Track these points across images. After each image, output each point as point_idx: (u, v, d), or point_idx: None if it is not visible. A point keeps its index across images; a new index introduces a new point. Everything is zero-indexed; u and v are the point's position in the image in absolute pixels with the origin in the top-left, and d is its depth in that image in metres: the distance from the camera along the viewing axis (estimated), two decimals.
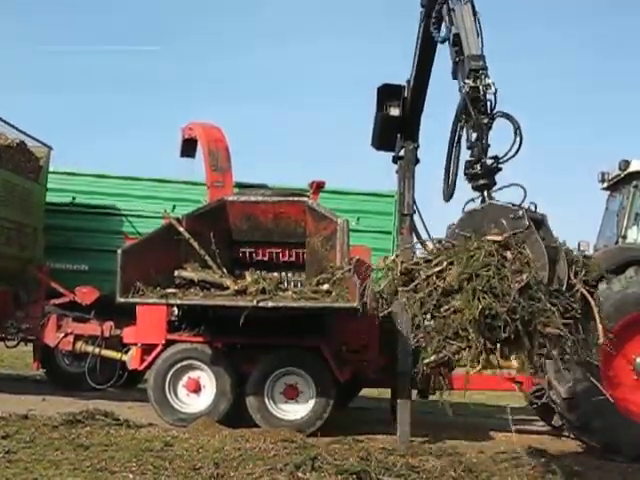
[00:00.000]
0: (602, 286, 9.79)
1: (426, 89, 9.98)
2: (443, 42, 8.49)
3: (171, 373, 10.09)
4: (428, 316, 6.43)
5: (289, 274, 10.63)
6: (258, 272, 9.83)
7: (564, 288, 6.35)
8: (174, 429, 9.40)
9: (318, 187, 11.68)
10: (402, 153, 10.76)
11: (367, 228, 13.45)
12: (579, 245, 11.36)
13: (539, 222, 6.85)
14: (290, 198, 10.29)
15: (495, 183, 7.23)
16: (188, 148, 14.41)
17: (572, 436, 10.25)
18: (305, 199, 10.35)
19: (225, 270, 9.82)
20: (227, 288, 9.48)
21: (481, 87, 7.46)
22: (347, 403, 12.61)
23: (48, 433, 8.44)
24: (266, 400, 10.01)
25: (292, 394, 10.10)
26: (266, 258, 10.53)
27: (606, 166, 11.88)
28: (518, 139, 7.18)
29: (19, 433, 8.23)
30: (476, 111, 7.45)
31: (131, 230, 13.24)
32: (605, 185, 11.82)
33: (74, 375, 13.11)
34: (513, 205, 6.84)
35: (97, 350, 11.66)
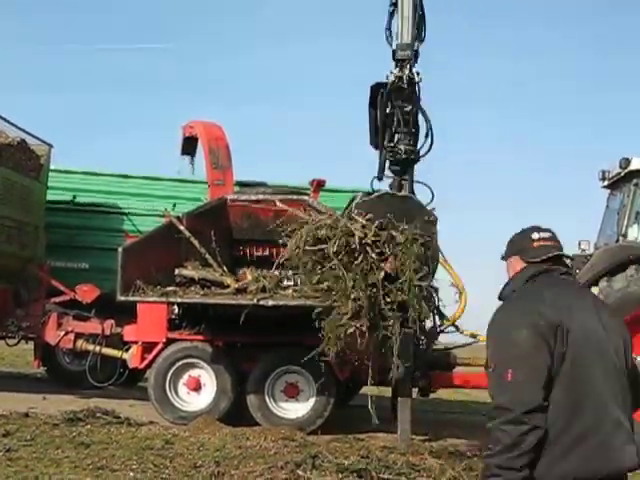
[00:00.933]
0: (603, 284, 9.84)
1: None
2: (388, 29, 8.59)
3: (172, 371, 10.09)
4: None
5: (289, 272, 10.63)
6: (258, 270, 9.83)
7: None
8: (175, 427, 9.41)
9: (319, 185, 11.67)
10: None
11: None
12: (579, 244, 11.38)
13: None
14: (290, 197, 10.29)
15: (405, 172, 7.98)
16: (189, 146, 14.41)
17: None
18: (305, 197, 10.35)
19: (225, 268, 9.82)
20: (227, 286, 9.49)
21: (404, 77, 7.89)
22: (347, 401, 12.61)
23: (49, 431, 8.45)
24: (267, 398, 10.00)
25: (293, 392, 10.10)
26: (267, 256, 10.53)
27: (607, 164, 11.91)
28: (429, 139, 7.57)
29: (20, 431, 8.24)
30: (399, 101, 7.65)
31: (132, 228, 13.24)
32: (606, 183, 11.83)
33: (75, 373, 13.12)
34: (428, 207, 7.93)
35: (98, 348, 11.65)
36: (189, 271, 9.68)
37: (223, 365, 10.11)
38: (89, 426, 8.95)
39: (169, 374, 10.07)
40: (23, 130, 12.77)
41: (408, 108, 7.85)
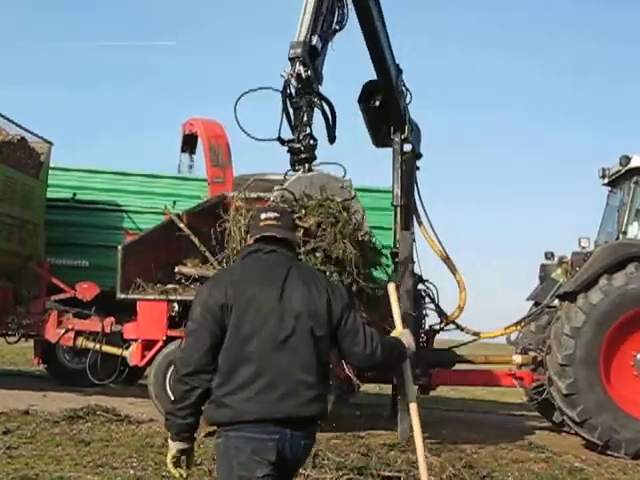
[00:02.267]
0: (603, 282, 9.84)
1: (384, 69, 10.14)
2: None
3: (172, 369, 10.08)
4: None
5: None
6: None
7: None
8: None
9: None
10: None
11: (369, 224, 13.43)
12: (580, 241, 11.37)
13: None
14: None
15: (315, 157, 8.37)
16: (188, 144, 14.42)
17: (572, 432, 10.24)
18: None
19: (225, 266, 9.81)
20: None
21: (294, 74, 8.23)
22: (348, 399, 12.61)
23: (49, 429, 8.47)
24: None
25: None
26: None
27: (607, 162, 11.89)
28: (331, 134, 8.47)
29: (20, 429, 8.26)
30: (290, 97, 8.29)
31: (132, 226, 13.23)
32: (606, 181, 11.82)
33: (75, 371, 13.13)
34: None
35: (98, 346, 11.64)
36: (189, 269, 9.68)
37: None
38: (89, 424, 8.96)
39: (169, 372, 10.06)
40: (23, 128, 12.76)
41: (301, 104, 8.28)
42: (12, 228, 12.22)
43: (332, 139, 8.80)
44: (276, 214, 3.83)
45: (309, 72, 8.26)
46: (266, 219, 3.80)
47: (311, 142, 8.31)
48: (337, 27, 9.10)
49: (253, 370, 3.49)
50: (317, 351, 3.60)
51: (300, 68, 8.24)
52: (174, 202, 13.38)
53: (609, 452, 9.47)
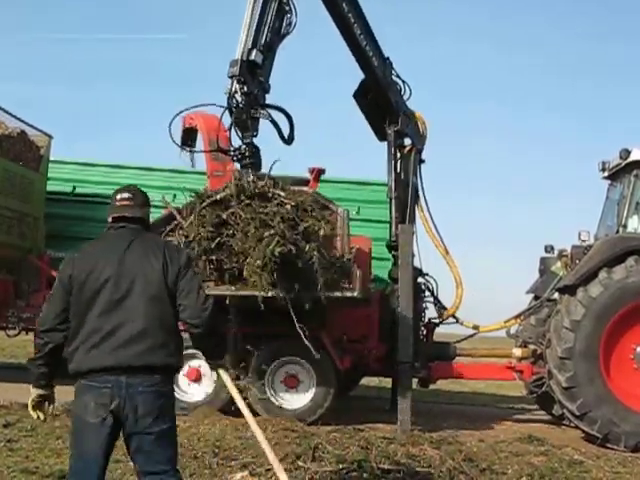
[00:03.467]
0: (602, 275, 9.84)
1: (367, 64, 10.43)
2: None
3: None
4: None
5: None
6: None
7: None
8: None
9: (318, 174, 11.64)
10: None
11: (367, 217, 13.42)
12: (580, 234, 11.37)
13: None
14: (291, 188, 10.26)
15: (260, 162, 9.08)
16: (188, 137, 14.37)
17: (572, 425, 10.26)
18: (305, 188, 10.32)
19: None
20: None
21: (233, 92, 8.97)
22: (348, 392, 12.64)
23: (49, 422, 8.43)
24: (267, 389, 10.02)
25: (293, 383, 10.12)
26: None
27: (607, 155, 11.88)
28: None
29: (20, 422, 8.26)
30: (231, 112, 9.03)
31: None
32: (606, 174, 11.81)
33: None
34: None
35: None
36: None
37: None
38: None
39: None
40: (23, 121, 12.75)
41: (243, 117, 9.05)
42: (12, 221, 12.21)
43: (288, 141, 9.45)
44: (129, 194, 4.37)
45: (246, 88, 8.95)
46: (121, 199, 4.35)
47: (252, 150, 9.05)
48: (285, 32, 9.57)
49: (91, 328, 4.07)
50: (154, 308, 4.11)
51: (237, 86, 8.96)
52: (174, 195, 13.37)
53: (609, 445, 9.50)
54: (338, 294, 8.92)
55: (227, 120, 9.17)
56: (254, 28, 9.15)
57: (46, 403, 4.42)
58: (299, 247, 8.47)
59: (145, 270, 4.14)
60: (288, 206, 8.68)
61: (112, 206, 4.36)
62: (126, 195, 4.35)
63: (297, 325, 8.64)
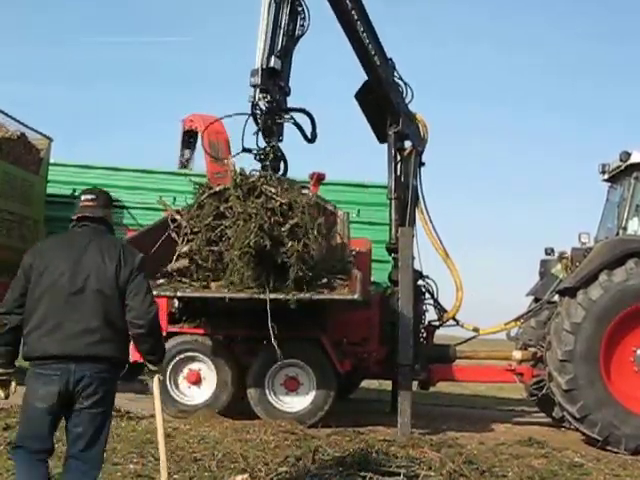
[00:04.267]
0: (603, 277, 9.84)
1: (368, 58, 10.50)
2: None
3: (172, 365, 10.09)
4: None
5: None
6: None
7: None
8: (175, 421, 9.41)
9: (318, 179, 11.65)
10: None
11: (367, 220, 13.44)
12: (580, 236, 11.37)
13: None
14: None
15: (279, 167, 9.62)
16: (188, 139, 14.41)
17: (572, 428, 10.25)
18: (305, 191, 10.33)
19: None
20: None
21: (255, 101, 9.39)
22: (348, 395, 12.63)
23: None
24: (267, 392, 10.01)
25: (293, 386, 10.10)
26: None
27: (607, 157, 11.87)
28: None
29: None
30: (256, 119, 9.48)
31: (132, 222, 13.21)
32: (606, 177, 11.80)
33: None
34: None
35: None
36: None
37: (223, 359, 10.12)
38: None
39: (169, 368, 10.06)
40: (23, 124, 12.77)
41: (268, 123, 9.52)
42: (12, 224, 12.23)
43: (312, 139, 9.98)
44: (93, 196, 4.76)
45: (269, 97, 9.37)
46: (85, 200, 4.74)
47: (277, 154, 9.57)
48: (300, 33, 9.85)
49: (44, 316, 4.40)
50: (104, 305, 4.45)
51: (260, 95, 9.36)
52: (174, 198, 13.38)
53: (609, 448, 9.49)
54: (337, 296, 8.91)
55: (250, 127, 9.60)
56: (269, 35, 9.42)
57: (11, 383, 4.90)
58: (282, 243, 8.61)
59: (99, 268, 4.48)
60: (277, 203, 8.83)
61: (77, 206, 4.77)
62: (89, 196, 4.75)
63: (269, 324, 8.75)
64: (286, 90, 9.72)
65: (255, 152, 9.59)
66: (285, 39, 9.56)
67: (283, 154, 9.67)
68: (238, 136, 9.73)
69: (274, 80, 9.46)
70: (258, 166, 9.61)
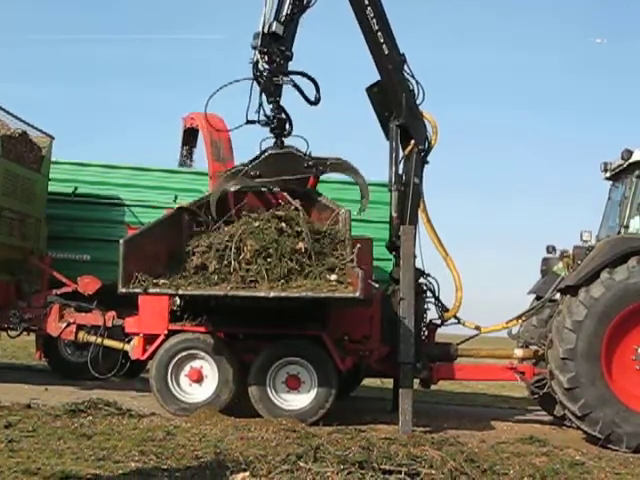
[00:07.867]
0: (604, 275, 9.83)
1: (375, 45, 10.66)
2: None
3: (173, 363, 10.10)
4: None
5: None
6: None
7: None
8: (176, 418, 9.43)
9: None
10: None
11: (369, 218, 13.41)
12: (582, 235, 11.37)
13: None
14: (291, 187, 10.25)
15: (285, 131, 9.94)
16: (189, 138, 14.38)
17: (574, 426, 10.24)
18: (307, 189, 10.33)
19: None
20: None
21: (255, 62, 9.64)
22: (349, 393, 12.63)
23: (51, 422, 8.47)
24: (268, 390, 10.01)
25: (294, 384, 10.10)
26: None
27: (609, 156, 11.86)
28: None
29: (22, 422, 8.25)
30: (259, 80, 9.71)
31: (134, 220, 13.21)
32: (608, 175, 11.79)
33: (76, 365, 13.14)
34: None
35: (99, 340, 11.67)
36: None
37: (225, 356, 10.12)
38: (91, 417, 8.96)
39: (171, 365, 10.08)
40: (24, 122, 12.76)
41: (268, 85, 9.75)
42: (14, 222, 12.21)
43: (315, 102, 10.19)
44: None
45: (267, 58, 9.65)
46: None
47: (278, 117, 9.84)
48: (305, 3, 10.08)
49: None
50: None
51: (258, 57, 9.66)
52: (175, 196, 13.38)
53: (610, 446, 9.48)
54: (338, 295, 8.91)
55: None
56: (276, 0, 9.74)
57: None
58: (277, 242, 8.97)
59: None
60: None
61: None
62: None
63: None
64: (288, 54, 9.94)
65: (258, 121, 9.85)
66: (291, 7, 9.83)
67: (288, 114, 9.94)
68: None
69: (275, 44, 9.75)
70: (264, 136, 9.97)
